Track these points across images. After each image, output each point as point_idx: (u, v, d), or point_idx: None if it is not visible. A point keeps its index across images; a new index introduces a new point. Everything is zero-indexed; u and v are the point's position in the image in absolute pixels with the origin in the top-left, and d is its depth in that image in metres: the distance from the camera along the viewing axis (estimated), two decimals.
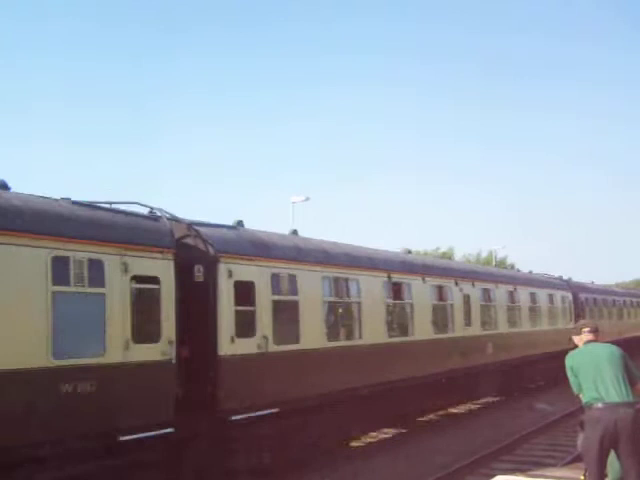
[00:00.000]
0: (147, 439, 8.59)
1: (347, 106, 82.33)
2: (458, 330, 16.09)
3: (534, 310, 20.86)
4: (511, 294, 19.25)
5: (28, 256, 7.60)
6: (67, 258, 7.97)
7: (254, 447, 10.24)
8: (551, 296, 22.28)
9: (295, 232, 12.96)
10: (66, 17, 72.89)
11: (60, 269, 7.87)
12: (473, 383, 16.94)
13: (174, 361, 9.08)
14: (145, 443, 8.58)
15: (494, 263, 53.57)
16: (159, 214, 9.77)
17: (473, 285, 17.05)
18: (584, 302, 25.17)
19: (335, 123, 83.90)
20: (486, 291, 17.80)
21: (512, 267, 52.13)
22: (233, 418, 9.81)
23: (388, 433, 14.82)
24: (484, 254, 61.32)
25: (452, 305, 16.02)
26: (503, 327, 18.48)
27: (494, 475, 9.42)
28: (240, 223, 11.49)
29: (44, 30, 72.42)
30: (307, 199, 29.74)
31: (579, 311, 24.01)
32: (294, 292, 11.33)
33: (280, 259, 11.12)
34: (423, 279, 14.94)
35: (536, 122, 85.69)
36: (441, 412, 17.01)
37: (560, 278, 25.34)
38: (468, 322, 16.56)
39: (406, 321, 14.35)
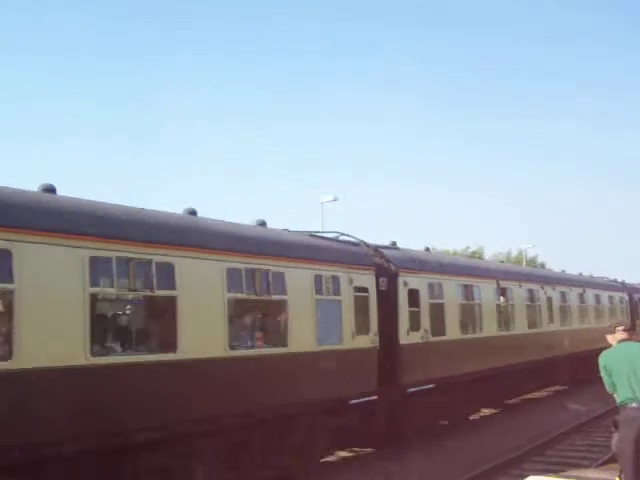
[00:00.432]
0: (361, 403, 12.11)
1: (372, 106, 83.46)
2: (544, 326, 19.50)
3: (598, 310, 24.27)
4: (581, 296, 22.65)
5: (304, 275, 11.11)
6: (321, 276, 11.51)
7: (421, 412, 13.69)
8: (611, 297, 25.69)
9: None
10: (65, 11, 72.44)
11: (319, 283, 11.43)
12: (554, 371, 20.26)
13: (378, 347, 12.61)
14: (360, 406, 12.10)
15: (524, 262, 54.17)
16: (355, 240, 13.30)
17: (554, 289, 20.44)
18: (638, 302, 28.50)
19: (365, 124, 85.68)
20: (563, 294, 21.19)
21: (543, 266, 53.93)
22: (408, 390, 13.31)
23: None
24: (514, 253, 61.40)
25: (539, 305, 19.41)
26: (575, 324, 21.86)
27: (526, 475, 9.48)
28: (394, 244, 14.94)
29: (43, 22, 71.87)
30: (336, 199, 29.42)
31: (634, 310, 27.32)
32: (441, 297, 14.80)
33: (432, 272, 14.59)
34: (520, 284, 18.34)
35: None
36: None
37: (616, 280, 28.60)
38: (551, 320, 19.95)
39: (509, 318, 17.76)
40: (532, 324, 18.96)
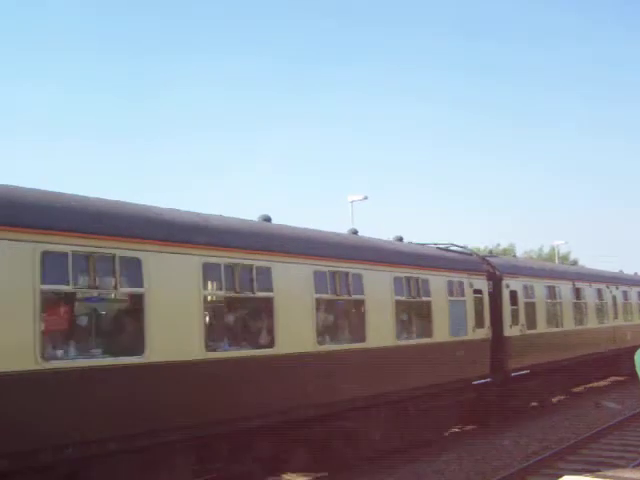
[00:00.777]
0: (479, 384, 14.88)
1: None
2: (611, 321, 22.17)
3: None
4: (639, 294, 25.36)
5: (441, 281, 13.92)
6: (452, 281, 14.30)
7: (520, 393, 16.43)
8: None
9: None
10: (65, 7, 72.63)
11: (450, 287, 14.20)
12: (618, 362, 22.58)
13: (490, 339, 15.33)
14: (478, 386, 14.86)
15: (556, 259, 53.67)
16: (468, 251, 16.43)
17: (617, 287, 23.06)
18: None
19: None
20: (625, 292, 23.83)
21: (575, 263, 55.07)
22: (512, 375, 16.06)
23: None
24: (546, 250, 60.93)
25: (606, 303, 22.15)
26: (636, 319, 24.55)
27: (561, 475, 10.25)
28: (491, 252, 17.76)
29: (44, 20, 71.76)
30: (365, 198, 29.57)
31: None
32: (533, 296, 17.63)
33: (526, 275, 17.57)
34: (590, 284, 20.97)
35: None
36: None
37: None
38: (615, 315, 22.57)
39: (582, 315, 20.44)
40: (600, 320, 21.58)
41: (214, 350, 8.97)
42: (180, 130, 78.86)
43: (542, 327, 17.73)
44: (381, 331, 11.93)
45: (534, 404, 17.90)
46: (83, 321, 8.10)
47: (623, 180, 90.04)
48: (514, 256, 49.71)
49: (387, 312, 12.13)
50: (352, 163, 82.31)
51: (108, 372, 7.62)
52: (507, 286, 16.27)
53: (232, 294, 9.33)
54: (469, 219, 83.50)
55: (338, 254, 11.37)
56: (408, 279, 12.77)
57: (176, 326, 8.43)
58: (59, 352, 7.40)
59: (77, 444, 7.22)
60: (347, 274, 11.27)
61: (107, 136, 74.99)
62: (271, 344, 9.76)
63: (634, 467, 10.84)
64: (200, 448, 8.88)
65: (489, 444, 13.83)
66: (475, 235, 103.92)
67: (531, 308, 17.32)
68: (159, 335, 8.12)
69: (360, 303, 11.64)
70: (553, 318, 18.64)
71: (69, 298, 7.74)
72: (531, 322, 17.17)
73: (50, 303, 7.43)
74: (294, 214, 78.51)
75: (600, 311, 21.71)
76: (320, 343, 10.70)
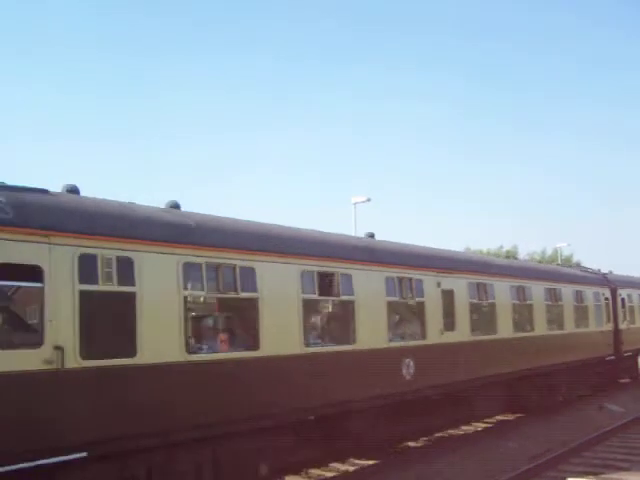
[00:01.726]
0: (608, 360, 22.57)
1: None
2: None
3: None
4: None
5: (569, 291, 20.04)
6: (582, 292, 20.89)
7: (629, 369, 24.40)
8: None
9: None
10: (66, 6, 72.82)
11: (580, 295, 20.59)
12: None
13: (612, 330, 22.96)
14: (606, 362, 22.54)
15: (559, 261, 53.08)
16: (594, 270, 24.14)
17: None
18: None
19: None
20: None
21: (578, 265, 55.68)
22: (624, 354, 23.46)
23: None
24: (549, 252, 60.64)
25: None
26: None
27: (565, 477, 10.03)
28: (610, 272, 25.03)
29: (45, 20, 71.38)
30: (369, 200, 29.21)
31: None
32: (632, 301, 25.25)
33: (628, 286, 25.19)
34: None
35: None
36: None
37: None
38: None
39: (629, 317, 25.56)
40: None
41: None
42: (179, 130, 78.71)
43: (637, 323, 25.14)
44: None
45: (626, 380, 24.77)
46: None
47: (625, 182, 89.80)
48: (515, 258, 50.87)
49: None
50: (354, 165, 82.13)
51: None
52: (620, 294, 23.67)
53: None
54: (471, 222, 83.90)
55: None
56: (551, 290, 18.82)
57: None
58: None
59: None
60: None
61: (103, 136, 74.88)
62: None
63: (637, 470, 10.97)
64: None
65: (493, 446, 13.81)
66: (478, 237, 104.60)
67: (631, 309, 24.90)
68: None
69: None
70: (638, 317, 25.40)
71: None
72: (632, 319, 24.63)
73: None
74: (296, 217, 78.34)
75: None
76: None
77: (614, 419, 16.75)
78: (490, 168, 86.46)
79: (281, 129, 79.68)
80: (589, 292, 21.15)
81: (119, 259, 7.84)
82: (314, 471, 11.72)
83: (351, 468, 12.19)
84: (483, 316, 15.39)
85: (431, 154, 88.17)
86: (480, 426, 16.37)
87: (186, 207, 9.82)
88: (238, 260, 9.28)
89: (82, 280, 7.47)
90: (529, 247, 75.55)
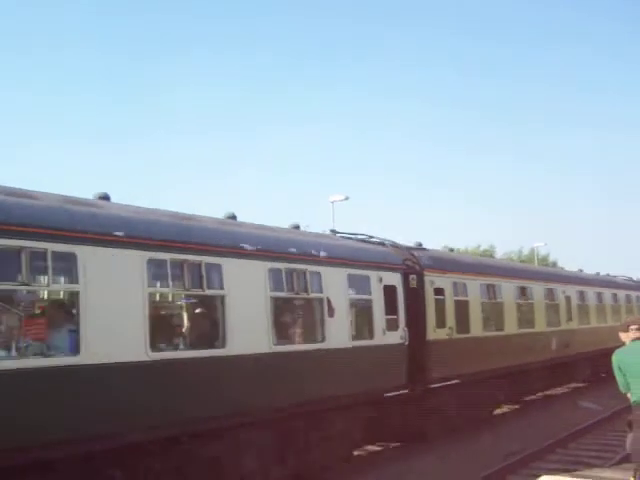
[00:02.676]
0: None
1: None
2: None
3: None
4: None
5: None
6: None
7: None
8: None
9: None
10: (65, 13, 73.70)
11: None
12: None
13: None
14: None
15: (536, 260, 54.20)
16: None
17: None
18: None
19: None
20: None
21: (554, 265, 52.98)
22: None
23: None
24: (525, 251, 61.73)
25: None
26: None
27: (540, 475, 9.68)
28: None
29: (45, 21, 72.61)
30: (346, 198, 29.13)
31: None
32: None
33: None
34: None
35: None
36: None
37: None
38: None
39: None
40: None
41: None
42: (162, 130, 78.07)
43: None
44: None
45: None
46: None
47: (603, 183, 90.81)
48: (491, 256, 50.74)
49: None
50: (334, 162, 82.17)
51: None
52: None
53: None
54: (452, 221, 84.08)
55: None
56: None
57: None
58: None
59: None
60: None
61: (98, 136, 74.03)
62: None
63: (611, 466, 10.91)
64: None
65: (468, 444, 13.61)
66: (457, 236, 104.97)
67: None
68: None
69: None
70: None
71: None
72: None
73: None
74: (277, 215, 77.98)
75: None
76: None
77: (589, 416, 16.74)
78: (473, 164, 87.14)
79: (264, 125, 79.42)
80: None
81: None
82: None
83: None
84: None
85: (411, 153, 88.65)
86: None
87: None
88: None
89: None
90: (507, 246, 75.97)
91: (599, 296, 24.37)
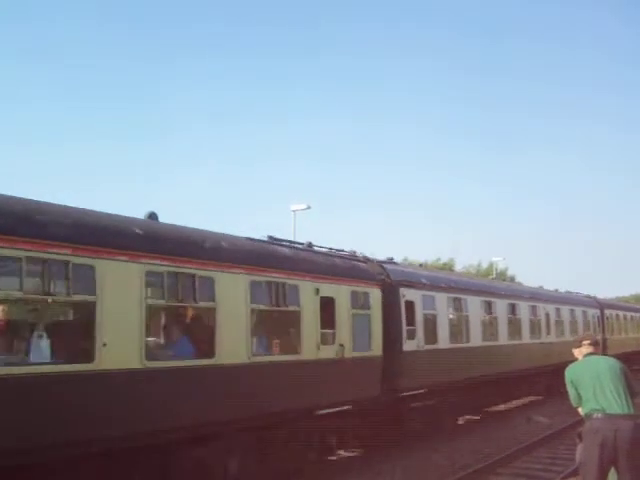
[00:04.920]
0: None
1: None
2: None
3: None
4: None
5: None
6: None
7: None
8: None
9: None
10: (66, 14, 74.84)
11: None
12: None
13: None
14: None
15: (494, 274, 53.33)
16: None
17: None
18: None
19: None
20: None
21: (513, 279, 53.61)
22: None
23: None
24: (484, 265, 61.57)
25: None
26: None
27: None
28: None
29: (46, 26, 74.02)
30: (308, 207, 29.03)
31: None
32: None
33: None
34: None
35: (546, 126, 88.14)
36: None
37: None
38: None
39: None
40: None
41: None
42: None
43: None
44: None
45: None
46: None
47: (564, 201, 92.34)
48: (451, 269, 51.01)
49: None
50: (296, 172, 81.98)
51: None
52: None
53: None
54: (414, 234, 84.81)
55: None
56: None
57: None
58: None
59: None
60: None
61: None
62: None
63: (562, 479, 11.21)
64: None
65: (421, 458, 13.68)
66: (417, 249, 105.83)
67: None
68: None
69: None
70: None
71: None
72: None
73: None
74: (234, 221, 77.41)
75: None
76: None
77: (541, 430, 17.05)
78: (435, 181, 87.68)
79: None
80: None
81: None
82: None
83: None
84: None
85: (376, 166, 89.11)
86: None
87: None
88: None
89: None
90: (466, 260, 76.88)
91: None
